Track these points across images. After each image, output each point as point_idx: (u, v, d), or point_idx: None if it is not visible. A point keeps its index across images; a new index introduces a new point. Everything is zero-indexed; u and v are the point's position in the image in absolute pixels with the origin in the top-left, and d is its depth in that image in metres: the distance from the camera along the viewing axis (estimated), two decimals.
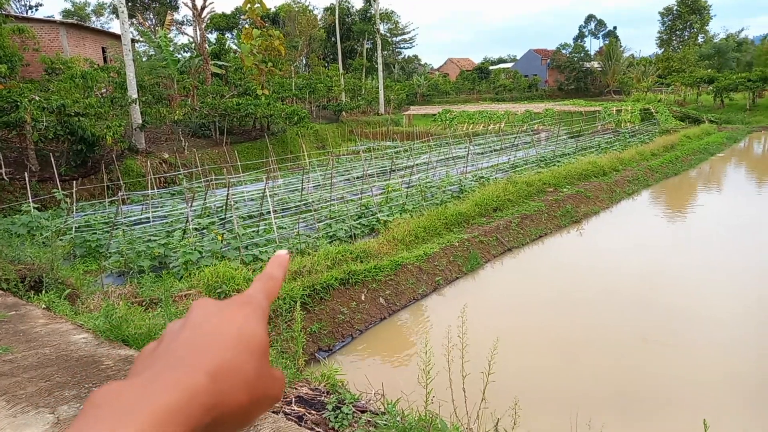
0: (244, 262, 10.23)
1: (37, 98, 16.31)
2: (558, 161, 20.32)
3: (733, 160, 26.11)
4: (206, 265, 9.60)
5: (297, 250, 11.22)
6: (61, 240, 12.17)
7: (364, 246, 9.32)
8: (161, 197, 17.25)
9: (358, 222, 13.01)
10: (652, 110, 36.28)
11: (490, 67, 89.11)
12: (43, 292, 6.74)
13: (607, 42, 79.67)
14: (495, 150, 25.86)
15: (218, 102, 24.28)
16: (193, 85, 28.45)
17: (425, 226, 10.82)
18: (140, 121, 20.51)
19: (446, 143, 30.12)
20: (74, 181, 17.46)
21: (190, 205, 10.12)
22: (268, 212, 11.80)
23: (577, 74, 74.15)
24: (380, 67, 47.62)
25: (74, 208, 13.02)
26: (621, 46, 70.90)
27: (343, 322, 7.35)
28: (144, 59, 36.24)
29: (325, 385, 4.11)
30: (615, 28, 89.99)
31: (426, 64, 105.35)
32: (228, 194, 10.34)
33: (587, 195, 14.69)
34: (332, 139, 36.80)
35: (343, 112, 42.69)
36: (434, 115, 51.71)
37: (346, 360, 6.73)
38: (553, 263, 10.96)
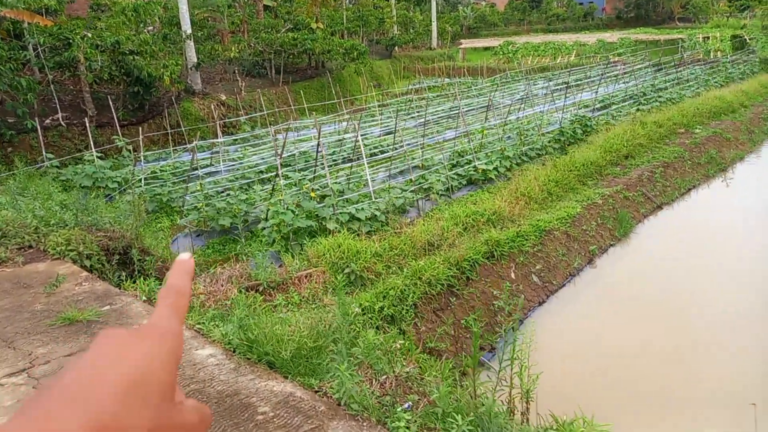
0: (339, 222, 8.86)
1: (90, 35, 14.93)
2: (659, 97, 17.87)
3: None
4: (301, 228, 8.27)
5: (393, 206, 9.77)
6: (128, 193, 11.08)
7: (491, 205, 7.73)
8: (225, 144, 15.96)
9: (453, 172, 11.39)
10: (745, 37, 32.32)
11: None
12: (136, 272, 5.50)
13: None
14: (572, 86, 23.28)
15: (273, 37, 22.43)
16: (243, 19, 26.53)
17: (556, 179, 9.08)
18: (195, 60, 19.00)
19: (515, 79, 27.61)
20: (133, 127, 16.32)
21: (280, 155, 8.65)
22: (358, 159, 10.29)
23: (638, 1, 67.63)
24: None
25: (141, 156, 11.82)
26: None
27: (499, 309, 5.91)
28: None
29: None
30: None
31: None
32: (319, 140, 8.79)
33: (726, 137, 12.50)
34: (387, 76, 34.59)
35: (396, 47, 40.05)
36: (487, 48, 48.27)
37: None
38: (718, 224, 8.97)
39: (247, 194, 10.05)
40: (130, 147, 13.91)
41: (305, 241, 8.39)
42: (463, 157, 12.13)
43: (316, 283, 5.37)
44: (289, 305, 4.90)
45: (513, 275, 6.37)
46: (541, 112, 17.63)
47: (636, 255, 7.94)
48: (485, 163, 11.73)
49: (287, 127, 11.49)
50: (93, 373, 0.42)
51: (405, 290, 5.27)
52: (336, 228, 8.65)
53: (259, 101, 18.41)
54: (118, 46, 15.44)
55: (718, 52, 30.78)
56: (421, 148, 11.48)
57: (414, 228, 7.02)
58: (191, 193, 10.11)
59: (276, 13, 31.92)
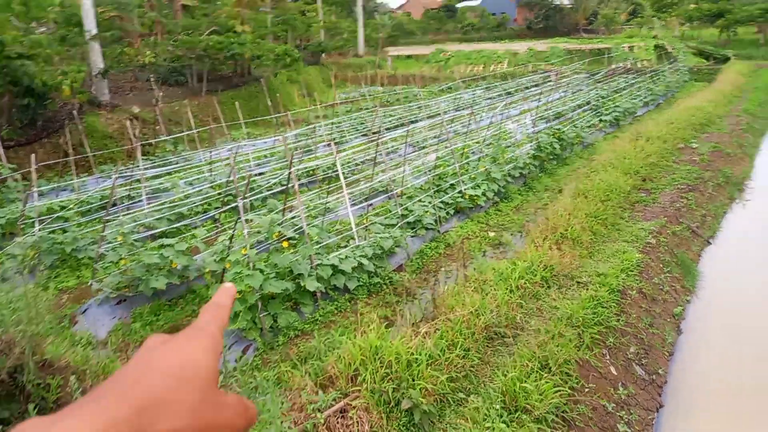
0: (322, 279, 6.75)
1: None
2: (617, 107, 17.22)
3: None
4: (278, 292, 6.08)
5: (380, 249, 7.78)
6: (17, 244, 8.26)
7: (538, 255, 5.89)
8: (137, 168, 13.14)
9: (439, 200, 9.59)
10: (668, 47, 33.40)
11: (457, 5, 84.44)
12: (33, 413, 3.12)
13: None
14: (527, 96, 22.33)
15: (196, 40, 19.66)
16: (156, 19, 23.41)
17: (595, 213, 7.38)
18: (102, 66, 15.94)
19: (456, 88, 26.46)
20: (22, 149, 13.16)
21: (243, 194, 6.27)
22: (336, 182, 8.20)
23: (546, 12, 70.38)
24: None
25: (35, 188, 9.04)
26: None
27: None
28: None
29: None
30: None
31: (382, 2, 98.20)
32: (291, 166, 6.47)
33: (726, 151, 11.57)
34: (317, 84, 32.43)
35: (323, 54, 38.00)
36: (410, 57, 47.48)
37: None
38: None
39: (186, 241, 7.64)
40: (18, 176, 10.93)
41: (280, 312, 6.23)
42: (444, 180, 10.37)
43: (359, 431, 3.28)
44: None
45: (612, 369, 4.57)
46: (492, 123, 16.29)
47: (721, 313, 6.37)
48: (470, 188, 10.05)
49: (236, 146, 9.07)
50: (148, 362, 0.46)
51: None
52: (318, 288, 6.55)
53: (185, 115, 15.66)
54: (2, 48, 12.30)
55: (645, 62, 31.46)
56: (403, 171, 9.50)
57: (448, 295, 5.02)
58: (108, 243, 7.55)
59: (193, 14, 28.83)
